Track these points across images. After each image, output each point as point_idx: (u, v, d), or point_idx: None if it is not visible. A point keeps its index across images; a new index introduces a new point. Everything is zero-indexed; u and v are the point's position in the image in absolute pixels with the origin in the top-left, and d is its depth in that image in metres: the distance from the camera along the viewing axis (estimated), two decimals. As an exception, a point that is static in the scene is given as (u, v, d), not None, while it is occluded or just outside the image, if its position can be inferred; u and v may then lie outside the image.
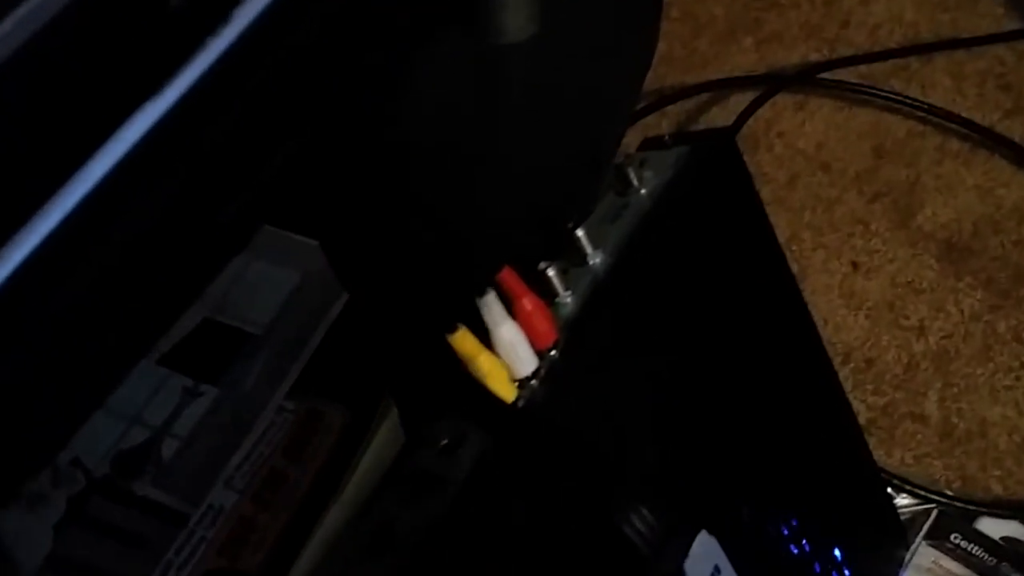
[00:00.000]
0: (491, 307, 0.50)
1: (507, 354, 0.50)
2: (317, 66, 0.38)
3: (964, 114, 1.01)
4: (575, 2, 0.78)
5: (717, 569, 0.56)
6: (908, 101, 1.02)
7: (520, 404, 0.49)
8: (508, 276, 0.51)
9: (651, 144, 0.63)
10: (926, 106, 1.02)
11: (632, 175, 0.60)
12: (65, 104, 0.31)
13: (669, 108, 1.05)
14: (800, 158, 1.02)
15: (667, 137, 0.63)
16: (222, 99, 0.32)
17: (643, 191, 0.60)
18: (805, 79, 1.05)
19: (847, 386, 0.85)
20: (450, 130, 0.63)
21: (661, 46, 0.99)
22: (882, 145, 1.02)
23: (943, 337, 0.91)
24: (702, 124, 1.05)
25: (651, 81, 0.93)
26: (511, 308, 0.51)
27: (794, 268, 0.92)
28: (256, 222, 0.40)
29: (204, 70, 0.30)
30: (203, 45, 0.31)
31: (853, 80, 1.05)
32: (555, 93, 0.71)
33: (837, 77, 1.06)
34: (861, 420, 0.84)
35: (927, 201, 0.98)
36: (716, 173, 0.62)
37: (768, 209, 1.01)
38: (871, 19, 1.11)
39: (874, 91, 1.04)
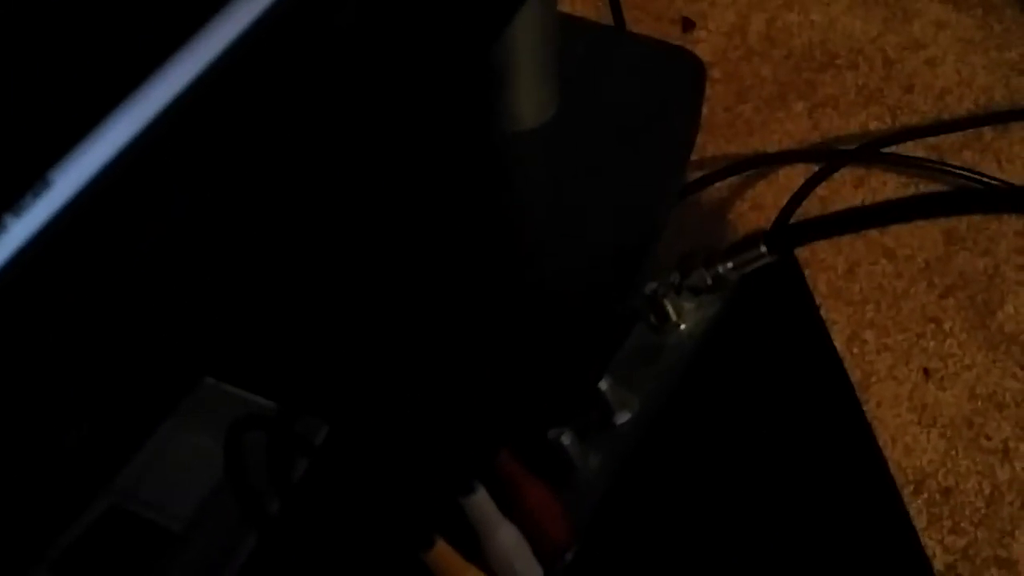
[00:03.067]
0: (481, 507, 0.38)
1: (504, 569, 0.38)
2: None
3: (1048, 194, 0.89)
4: (603, 77, 0.67)
5: None
6: (983, 178, 0.92)
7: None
8: (507, 462, 0.39)
9: (692, 263, 0.52)
10: (1004, 184, 0.91)
11: (669, 307, 0.48)
12: None
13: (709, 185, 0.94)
14: (860, 243, 0.91)
15: (713, 256, 0.51)
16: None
17: (683, 327, 0.49)
18: (867, 153, 0.93)
19: (919, 523, 0.75)
20: (430, 236, 0.52)
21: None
22: (954, 229, 0.91)
23: (1032, 462, 0.78)
24: (747, 203, 0.93)
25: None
26: (509, 504, 0.39)
27: (855, 375, 0.81)
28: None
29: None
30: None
31: (919, 154, 0.94)
32: (578, 188, 0.61)
33: (901, 150, 0.94)
34: (937, 566, 0.74)
35: (1008, 296, 0.86)
36: (773, 304, 0.50)
37: (824, 304, 0.89)
38: (938, 83, 1.00)
39: (944, 166, 0.93)
